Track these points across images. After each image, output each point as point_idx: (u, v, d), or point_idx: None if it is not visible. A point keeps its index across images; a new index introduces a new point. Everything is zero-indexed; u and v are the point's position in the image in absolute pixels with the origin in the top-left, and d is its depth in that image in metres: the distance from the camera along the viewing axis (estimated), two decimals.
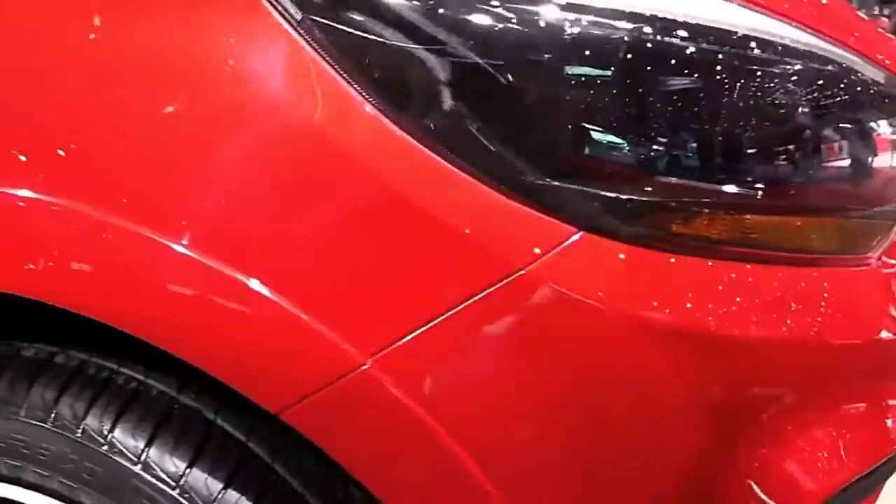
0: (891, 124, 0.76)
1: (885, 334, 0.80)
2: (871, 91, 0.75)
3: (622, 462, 0.69)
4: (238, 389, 0.66)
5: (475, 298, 0.65)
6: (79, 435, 0.72)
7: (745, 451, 0.73)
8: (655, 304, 0.66)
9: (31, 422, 0.73)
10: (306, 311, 0.64)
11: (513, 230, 0.65)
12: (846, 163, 0.74)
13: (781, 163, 0.70)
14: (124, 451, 0.72)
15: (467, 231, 0.64)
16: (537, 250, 0.65)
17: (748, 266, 0.71)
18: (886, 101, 0.76)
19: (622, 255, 0.67)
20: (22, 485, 0.75)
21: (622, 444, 0.68)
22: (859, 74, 0.73)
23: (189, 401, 0.76)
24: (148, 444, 0.72)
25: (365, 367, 0.65)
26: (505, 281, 0.65)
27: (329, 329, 0.65)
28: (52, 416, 0.73)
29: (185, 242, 0.63)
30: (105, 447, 0.72)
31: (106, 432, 0.72)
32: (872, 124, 0.76)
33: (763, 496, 0.74)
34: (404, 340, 0.65)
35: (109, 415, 0.73)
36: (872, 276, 0.82)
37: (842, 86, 0.72)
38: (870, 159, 0.75)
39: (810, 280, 0.75)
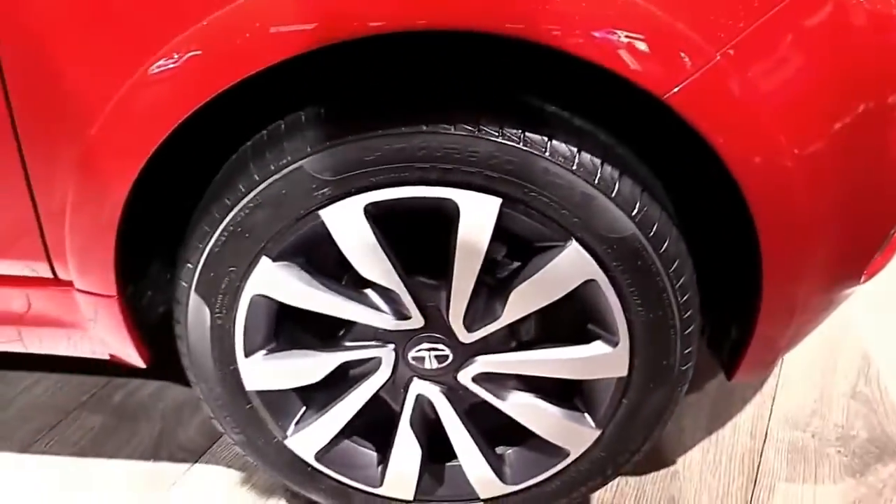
0: None
1: None
2: None
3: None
4: (638, 84, 0.95)
5: (782, 4, 0.97)
6: (500, 138, 1.01)
7: None
8: None
9: (461, 133, 1.01)
10: (683, 23, 0.94)
11: None
12: None
13: None
14: (535, 143, 1.01)
15: None
16: None
17: None
18: None
19: None
20: (449, 184, 1.03)
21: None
22: None
23: (558, 110, 1.06)
24: (549, 139, 1.02)
25: (716, 59, 0.96)
26: None
27: (693, 32, 0.95)
28: (479, 127, 1.01)
29: None
30: (521, 143, 1.01)
31: (520, 132, 1.01)
32: None
33: None
34: (739, 38, 0.97)
35: (519, 120, 1.02)
36: None
37: None
38: None
39: None
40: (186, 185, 1.18)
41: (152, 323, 1.34)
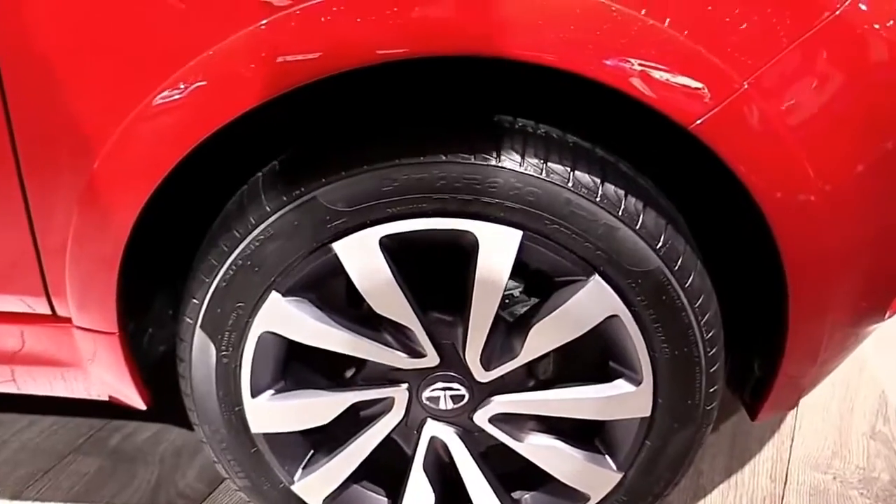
0: None
1: None
2: None
3: None
4: (666, 113, 0.93)
5: (809, 33, 0.95)
6: (523, 168, 0.98)
7: None
8: None
9: (481, 163, 0.97)
10: (710, 52, 0.92)
11: None
12: None
13: None
14: (557, 174, 0.98)
15: None
16: None
17: None
18: None
19: None
20: (469, 216, 1.00)
21: None
22: None
23: (580, 141, 1.04)
24: (572, 169, 0.99)
25: (744, 88, 0.94)
26: (827, 19, 0.95)
27: (720, 61, 0.92)
28: (499, 157, 0.98)
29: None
30: (543, 173, 0.98)
31: (541, 163, 0.98)
32: None
33: None
34: (766, 67, 0.94)
35: (541, 150, 0.99)
36: None
37: None
38: None
39: None
40: (191, 217, 1.15)
41: (153, 362, 1.29)
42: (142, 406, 1.26)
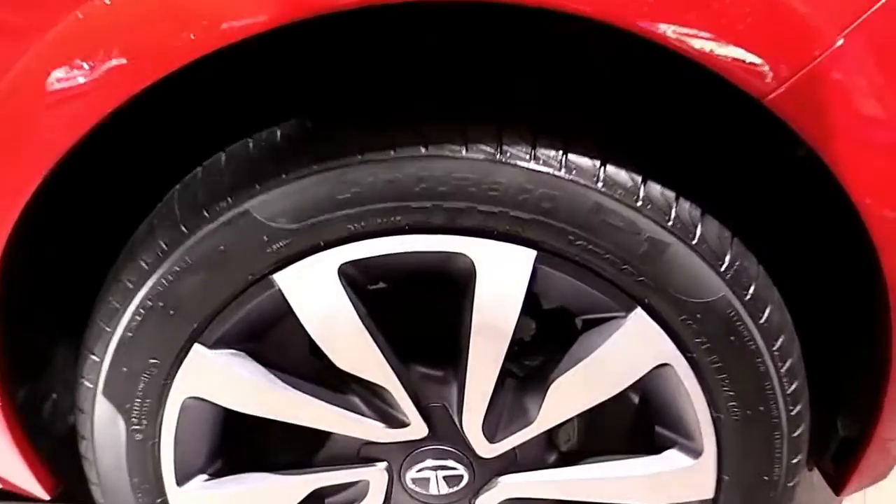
0: None
1: None
2: None
3: None
4: (732, 81, 0.68)
5: None
6: (533, 162, 0.73)
7: None
8: None
9: (476, 157, 0.73)
10: None
11: None
12: None
13: None
14: (583, 170, 0.73)
15: None
16: None
17: None
18: None
19: None
20: (461, 232, 0.76)
21: None
22: None
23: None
24: (602, 163, 0.74)
25: (836, 45, 0.69)
26: None
27: (804, 7, 0.68)
28: (501, 148, 0.73)
29: None
30: (562, 170, 0.73)
31: (561, 155, 0.73)
32: None
33: None
34: (865, 16, 0.69)
35: (559, 138, 0.74)
36: None
37: None
38: None
39: None
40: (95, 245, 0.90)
41: (60, 436, 1.03)
42: (44, 496, 1.00)
